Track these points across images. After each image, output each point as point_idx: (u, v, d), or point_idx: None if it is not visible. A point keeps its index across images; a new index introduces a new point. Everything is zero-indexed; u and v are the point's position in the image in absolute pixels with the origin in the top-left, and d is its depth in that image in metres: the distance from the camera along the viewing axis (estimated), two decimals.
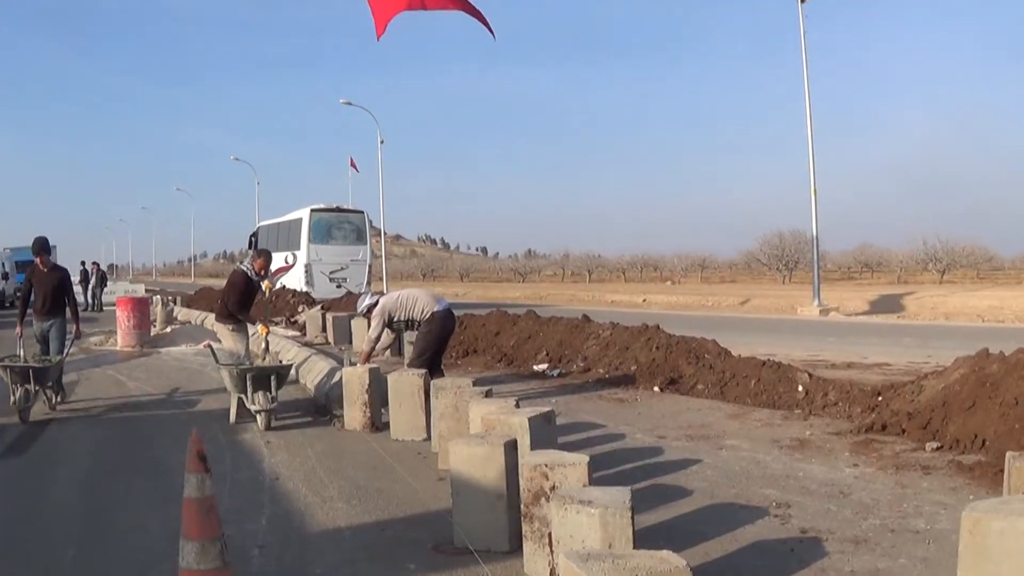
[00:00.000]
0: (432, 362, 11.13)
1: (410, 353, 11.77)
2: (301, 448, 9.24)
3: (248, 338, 11.78)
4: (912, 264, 67.94)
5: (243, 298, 11.69)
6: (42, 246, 12.35)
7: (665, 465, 8.04)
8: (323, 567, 5.60)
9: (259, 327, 11.55)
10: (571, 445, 7.98)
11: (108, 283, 44.00)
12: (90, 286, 40.96)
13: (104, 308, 37.33)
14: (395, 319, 11.32)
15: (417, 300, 11.33)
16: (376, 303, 11.43)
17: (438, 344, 11.45)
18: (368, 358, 11.11)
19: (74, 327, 12.77)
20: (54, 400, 11.91)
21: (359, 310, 12.17)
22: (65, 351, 12.43)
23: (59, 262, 13.54)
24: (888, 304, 35.94)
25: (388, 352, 12.67)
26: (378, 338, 11.39)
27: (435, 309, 11.28)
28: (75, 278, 43.55)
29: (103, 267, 44.87)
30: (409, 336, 12.48)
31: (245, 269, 11.93)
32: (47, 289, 12.43)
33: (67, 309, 12.70)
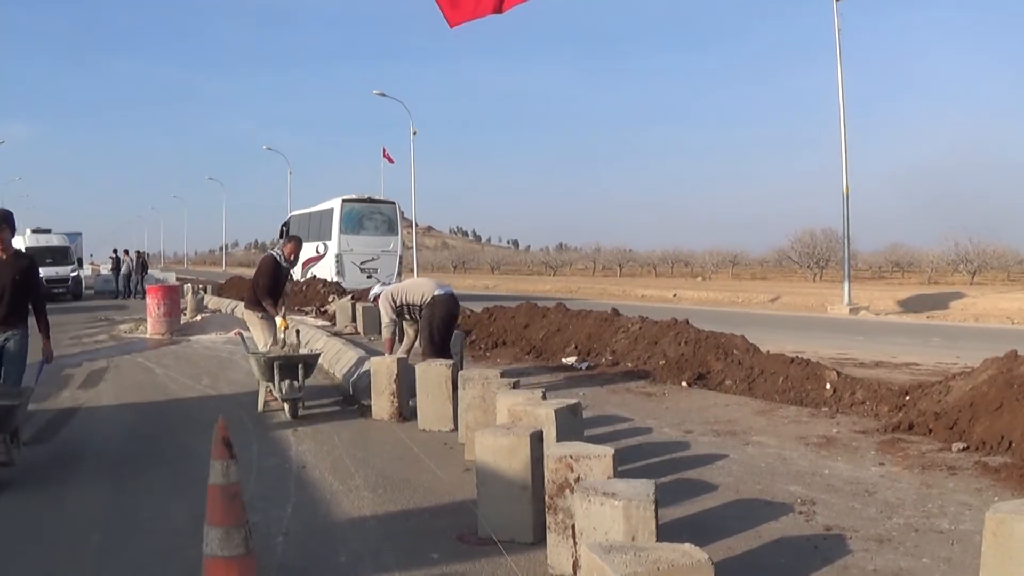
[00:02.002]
0: (443, 348, 11.25)
1: (422, 344, 11.83)
2: (328, 437, 9.30)
3: (276, 327, 11.80)
4: (943, 265, 67.34)
5: (271, 283, 11.65)
6: (3, 218, 8.75)
7: (691, 460, 8.04)
8: (347, 555, 5.64)
9: (279, 321, 11.48)
10: (597, 438, 7.99)
11: (148, 270, 44.54)
12: (120, 274, 41.51)
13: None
14: (397, 303, 11.50)
15: (418, 285, 11.87)
16: (380, 294, 11.75)
17: (443, 327, 11.54)
18: (392, 346, 11.27)
19: (43, 344, 8.93)
20: (15, 452, 8.00)
21: (370, 298, 12.33)
22: (35, 379, 8.92)
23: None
24: (918, 304, 35.72)
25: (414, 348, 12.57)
26: (391, 324, 11.61)
27: (435, 293, 11.52)
28: (107, 266, 43.67)
29: (143, 255, 45.07)
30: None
31: (275, 255, 11.89)
32: (5, 283, 8.60)
33: (40, 316, 8.96)
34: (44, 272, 37.26)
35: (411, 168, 49.63)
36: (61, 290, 38.82)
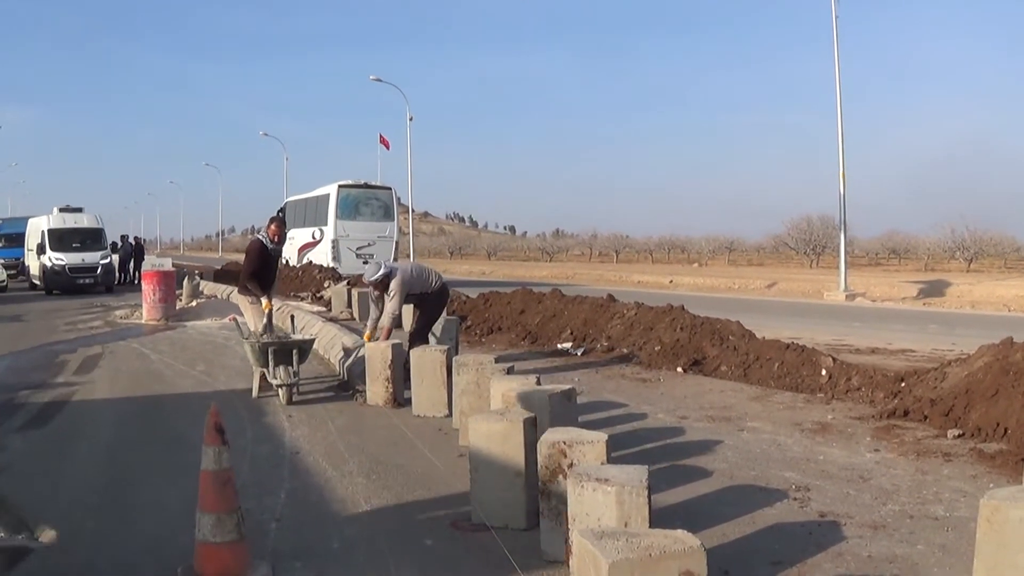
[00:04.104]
0: (427, 334, 11.30)
1: (414, 324, 11.70)
2: (322, 423, 9.28)
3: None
4: (939, 252, 67.32)
5: (259, 267, 11.58)
6: None
7: (686, 446, 8.04)
8: (341, 541, 5.63)
9: (263, 302, 11.34)
10: (592, 423, 7.99)
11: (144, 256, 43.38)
12: (119, 258, 40.83)
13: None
14: (416, 291, 11.28)
15: (430, 273, 11.53)
16: (388, 275, 11.26)
17: (439, 315, 11.69)
18: (389, 334, 11.07)
19: None
20: None
21: (367, 279, 11.88)
22: None
23: None
24: (914, 291, 35.72)
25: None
26: (399, 316, 11.41)
27: (443, 281, 11.58)
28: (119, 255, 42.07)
29: (140, 241, 44.14)
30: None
31: (261, 237, 11.79)
32: None
33: None
34: (68, 259, 32.48)
35: (408, 154, 49.51)
36: (88, 280, 32.61)
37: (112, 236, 37.40)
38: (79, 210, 35.68)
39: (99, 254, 33.47)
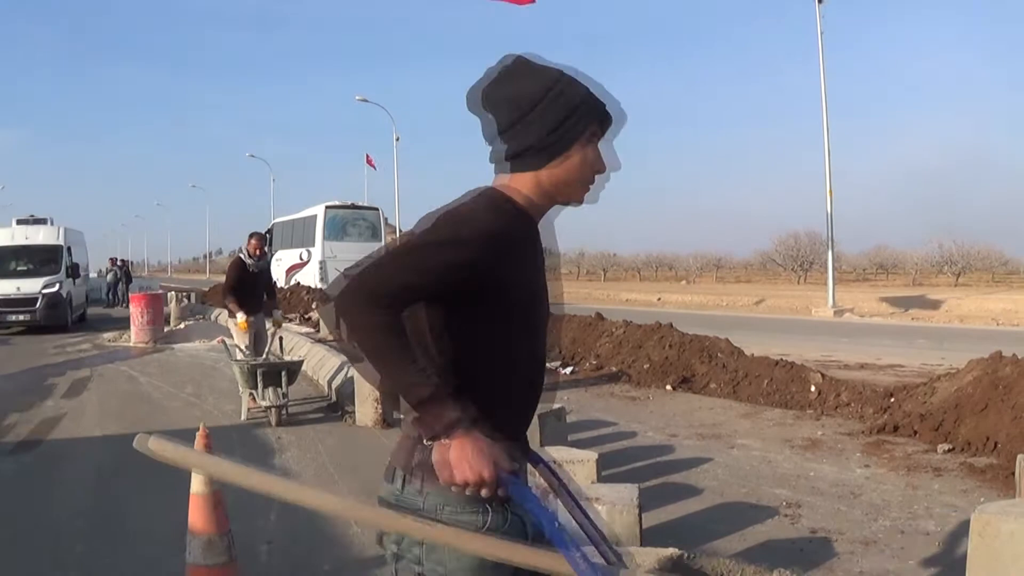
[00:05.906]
0: None
1: None
2: (312, 444, 9.25)
3: (257, 332, 11.60)
4: (927, 267, 67.56)
5: (236, 283, 11.44)
6: None
7: (676, 463, 8.03)
8: (331, 563, 5.61)
9: (240, 318, 11.20)
10: (582, 442, 7.99)
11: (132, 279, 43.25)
12: (107, 282, 40.73)
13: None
14: None
15: None
16: None
17: None
18: None
19: None
20: None
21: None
22: None
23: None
24: (902, 306, 35.81)
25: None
26: None
27: None
28: (108, 278, 41.72)
29: (127, 264, 44.09)
30: None
31: (241, 255, 11.58)
32: None
33: None
34: (2, 287, 24.58)
35: (395, 173, 49.64)
36: (21, 316, 24.63)
37: (100, 259, 35.74)
38: (42, 221, 28.01)
39: (42, 281, 25.33)
